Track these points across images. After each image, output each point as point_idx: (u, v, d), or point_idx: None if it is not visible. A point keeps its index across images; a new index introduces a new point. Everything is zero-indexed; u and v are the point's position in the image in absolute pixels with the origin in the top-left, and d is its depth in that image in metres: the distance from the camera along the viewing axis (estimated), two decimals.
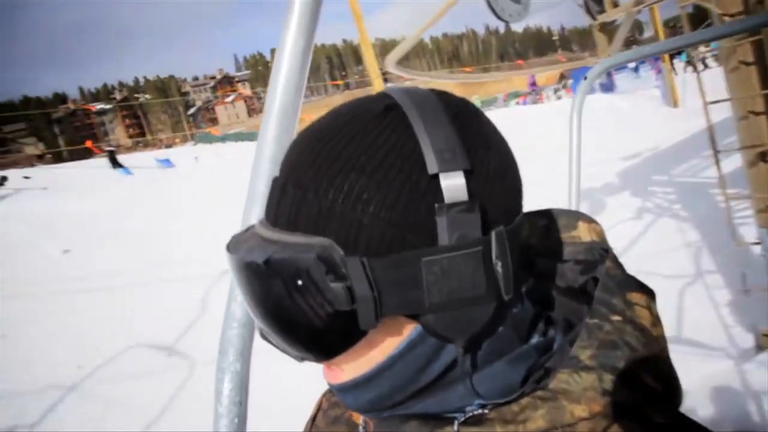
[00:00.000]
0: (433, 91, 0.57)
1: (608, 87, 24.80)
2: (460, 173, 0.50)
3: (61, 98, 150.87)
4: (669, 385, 0.57)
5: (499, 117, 19.83)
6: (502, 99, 37.59)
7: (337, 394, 0.61)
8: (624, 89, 23.93)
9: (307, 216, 0.52)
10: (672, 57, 21.23)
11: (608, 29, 9.99)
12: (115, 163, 23.61)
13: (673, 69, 19.75)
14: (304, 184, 0.53)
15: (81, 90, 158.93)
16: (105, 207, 12.44)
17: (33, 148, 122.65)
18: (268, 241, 0.53)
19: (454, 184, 0.50)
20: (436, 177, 0.50)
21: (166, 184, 15.99)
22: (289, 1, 0.93)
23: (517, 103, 33.78)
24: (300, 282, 0.50)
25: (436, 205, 0.50)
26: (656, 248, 6.18)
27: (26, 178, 21.27)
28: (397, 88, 0.57)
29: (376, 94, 0.57)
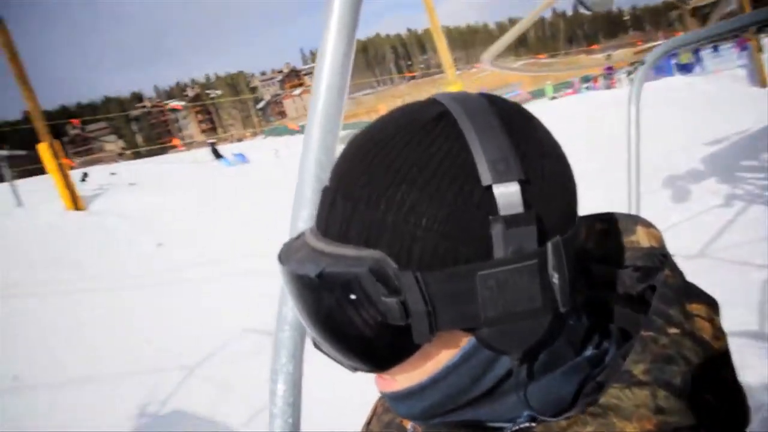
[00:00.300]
0: (483, 96, 0.56)
1: (687, 68, 23.63)
2: (514, 183, 0.49)
3: (137, 97, 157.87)
4: (733, 405, 0.53)
5: (571, 104, 19.24)
6: (577, 83, 36.35)
7: (389, 402, 0.61)
8: (704, 69, 22.73)
9: (359, 228, 0.51)
10: (760, 31, 19.86)
11: (700, 12, 9.48)
12: (217, 155, 24.70)
13: (760, 47, 18.45)
14: (355, 195, 0.52)
15: (156, 89, 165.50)
16: (193, 201, 12.85)
17: (113, 145, 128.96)
18: (319, 252, 0.53)
19: (508, 195, 0.49)
20: (489, 188, 0.49)
21: (251, 177, 16.35)
22: (327, 6, 0.94)
23: (587, 88, 32.65)
24: (353, 296, 0.50)
25: (491, 217, 0.49)
26: (747, 237, 5.83)
27: (113, 174, 22.52)
28: (447, 94, 0.56)
29: (426, 101, 0.57)
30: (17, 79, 13.25)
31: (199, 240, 9.84)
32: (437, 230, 0.49)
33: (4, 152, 19.72)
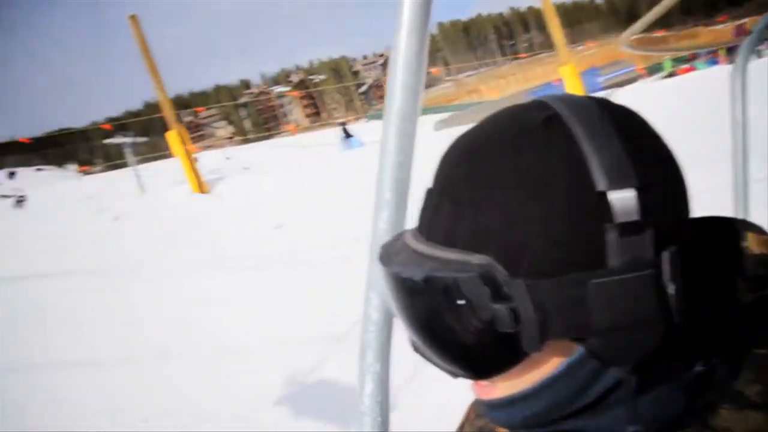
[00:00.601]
0: (592, 99, 0.54)
1: None
2: (630, 190, 0.47)
3: (245, 84, 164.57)
4: None
5: (685, 82, 18.00)
6: (704, 56, 33.79)
7: (486, 409, 0.59)
8: None
9: (466, 232, 0.50)
10: None
11: None
12: (348, 134, 25.74)
13: None
14: (462, 198, 0.51)
15: (262, 75, 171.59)
16: (306, 184, 13.26)
17: (224, 131, 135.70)
18: (424, 256, 0.53)
19: (624, 202, 0.47)
20: (603, 194, 0.47)
21: (358, 160, 16.67)
22: (398, 5, 0.92)
23: (707, 62, 30.44)
24: (460, 301, 0.49)
25: (605, 224, 0.47)
26: None
27: (227, 159, 23.76)
28: (553, 96, 0.54)
29: (532, 103, 0.55)
30: (149, 71, 14.22)
31: (316, 223, 10.07)
32: (548, 237, 0.48)
33: (128, 139, 21.26)
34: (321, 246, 8.55)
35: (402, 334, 0.61)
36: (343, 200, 11.06)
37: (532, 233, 0.48)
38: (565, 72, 16.23)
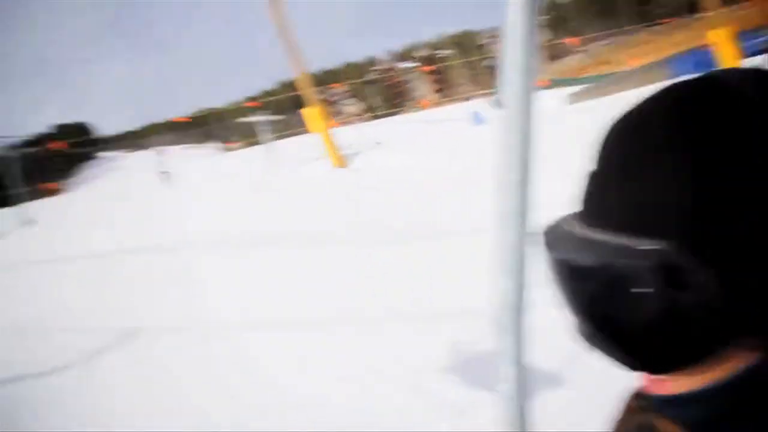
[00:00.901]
0: (765, 72, 0.48)
1: None
2: None
3: (372, 61, 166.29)
4: None
5: None
6: None
7: (656, 405, 0.55)
8: None
9: (643, 217, 0.47)
10: None
11: None
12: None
13: None
14: (634, 181, 0.48)
15: (389, 52, 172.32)
16: (439, 159, 13.29)
17: (353, 107, 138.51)
18: (597, 242, 0.50)
19: None
20: None
21: (496, 135, 16.55)
22: None
23: None
24: (642, 290, 0.46)
25: None
26: None
27: (359, 134, 24.16)
28: (723, 70, 0.50)
29: (699, 79, 0.50)
30: (289, 51, 14.70)
31: (454, 197, 10.03)
32: (738, 222, 0.43)
33: (266, 117, 22.20)
34: (463, 220, 8.49)
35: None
36: (480, 175, 10.97)
37: (719, 218, 0.44)
38: (717, 36, 14.81)
